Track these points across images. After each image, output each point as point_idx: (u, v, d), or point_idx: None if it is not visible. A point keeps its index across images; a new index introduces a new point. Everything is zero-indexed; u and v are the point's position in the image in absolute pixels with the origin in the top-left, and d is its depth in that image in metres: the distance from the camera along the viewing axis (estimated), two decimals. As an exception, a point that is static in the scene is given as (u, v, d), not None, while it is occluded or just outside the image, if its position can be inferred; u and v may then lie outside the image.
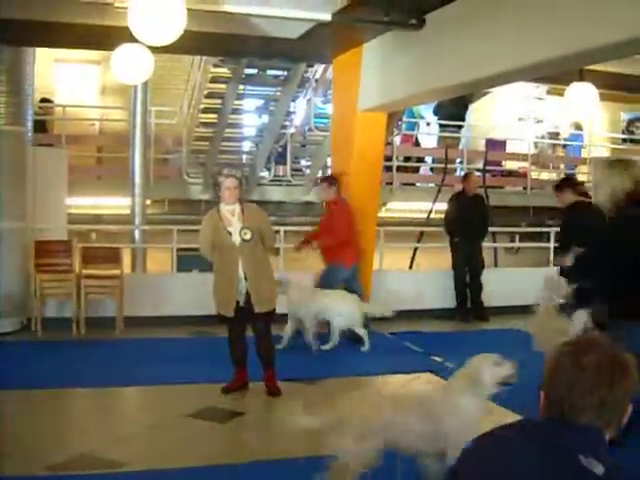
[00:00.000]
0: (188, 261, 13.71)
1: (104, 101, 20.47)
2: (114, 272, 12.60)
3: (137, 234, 15.36)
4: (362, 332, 11.40)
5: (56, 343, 11.63)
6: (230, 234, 8.65)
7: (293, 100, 17.48)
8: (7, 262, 12.15)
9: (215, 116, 17.24)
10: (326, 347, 11.29)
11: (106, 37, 11.18)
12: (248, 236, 8.61)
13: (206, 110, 17.33)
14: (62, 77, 20.27)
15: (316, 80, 17.36)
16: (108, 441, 7.25)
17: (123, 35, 9.78)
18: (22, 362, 10.29)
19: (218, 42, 12.42)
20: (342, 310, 11.30)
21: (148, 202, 16.32)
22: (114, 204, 17.38)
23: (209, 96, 16.94)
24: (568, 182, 11.49)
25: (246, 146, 19.15)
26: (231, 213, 8.71)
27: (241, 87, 16.64)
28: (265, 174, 18.62)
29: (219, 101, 16.86)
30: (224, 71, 16.25)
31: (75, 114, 19.43)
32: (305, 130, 18.47)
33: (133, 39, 9.20)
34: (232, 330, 8.98)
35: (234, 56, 14.90)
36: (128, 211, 15.66)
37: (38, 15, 10.87)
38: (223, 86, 16.50)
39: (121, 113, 19.03)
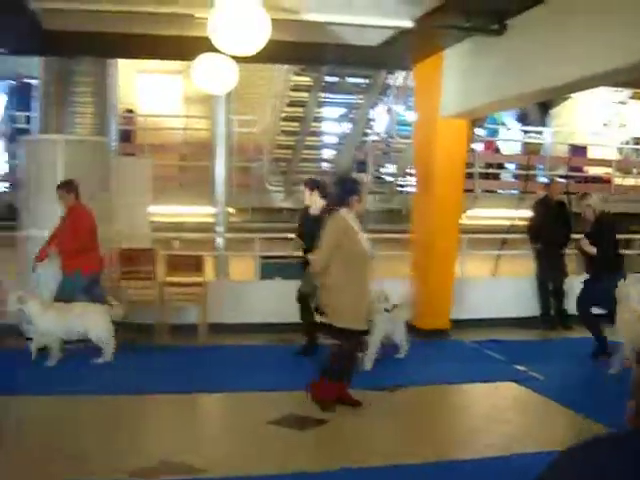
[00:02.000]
0: (271, 269, 13.75)
1: (187, 110, 20.70)
2: (197, 279, 12.69)
3: (220, 242, 15.48)
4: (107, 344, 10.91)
5: (139, 349, 11.75)
6: (362, 244, 8.31)
7: (373, 107, 17.47)
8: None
9: (297, 124, 17.31)
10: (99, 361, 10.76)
11: (186, 48, 11.33)
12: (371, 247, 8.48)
13: (288, 118, 17.40)
14: (145, 87, 20.55)
15: (397, 87, 17.33)
16: (190, 447, 7.30)
17: (203, 46, 9.88)
18: (105, 368, 10.41)
19: (299, 51, 12.47)
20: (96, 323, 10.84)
21: (230, 210, 16.44)
22: (197, 212, 17.55)
23: (291, 104, 17.02)
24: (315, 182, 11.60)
25: (327, 154, 19.19)
26: (354, 222, 8.36)
27: (322, 95, 16.69)
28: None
29: (300, 109, 16.93)
30: (305, 79, 16.32)
31: (158, 124, 19.69)
32: (386, 137, 18.45)
33: (213, 49, 9.29)
34: (357, 344, 8.66)
35: (315, 64, 14.96)
36: (210, 219, 15.78)
37: (121, 27, 11.04)
38: (305, 94, 16.56)
39: (203, 122, 19.21)
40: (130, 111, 19.30)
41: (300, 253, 11.10)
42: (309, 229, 11.11)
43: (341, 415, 8.52)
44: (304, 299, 11.04)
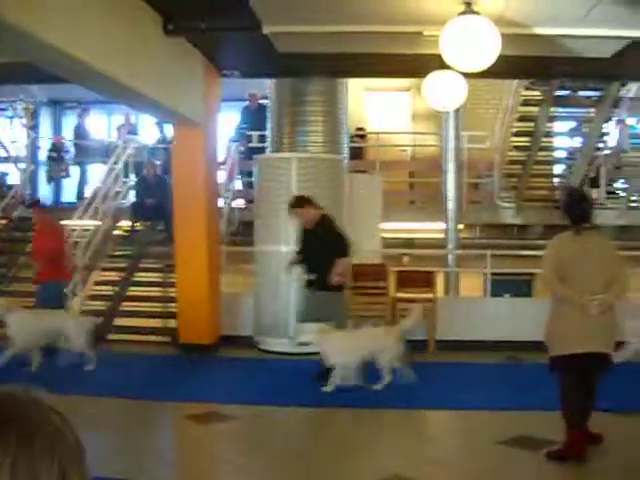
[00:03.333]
0: (500, 286, 13.64)
1: (415, 127, 20.81)
2: (427, 295, 12.74)
3: (450, 258, 15.47)
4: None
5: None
6: None
7: (607, 121, 17.06)
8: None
9: (527, 139, 17.11)
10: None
11: (416, 65, 11.45)
12: None
13: (518, 133, 17.24)
14: (373, 105, 20.82)
15: (630, 99, 16.88)
16: (420, 463, 7.33)
17: (434, 62, 9.96)
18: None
19: (529, 65, 12.35)
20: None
21: (460, 226, 16.41)
22: (427, 228, 17.61)
23: (521, 119, 16.85)
24: None
25: (558, 169, 18.89)
26: None
27: (553, 109, 16.45)
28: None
29: (531, 124, 16.73)
30: (535, 93, 16.13)
31: (387, 141, 19.89)
32: (618, 151, 17.99)
33: (443, 66, 9.35)
34: None
35: (545, 78, 14.76)
36: (440, 235, 15.80)
37: (352, 47, 11.26)
38: (535, 109, 16.37)
39: (432, 138, 19.27)
40: (360, 129, 19.59)
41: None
42: None
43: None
44: None
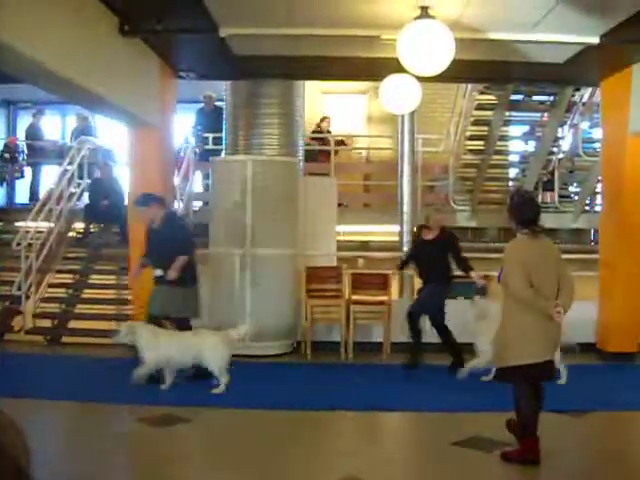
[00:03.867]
0: (455, 288, 13.67)
1: (370, 130, 20.88)
2: (382, 298, 12.76)
3: (406, 261, 15.50)
4: None
5: (324, 366, 11.91)
6: None
7: (560, 125, 17.19)
8: (280, 287, 12.57)
9: (481, 143, 17.21)
10: None
11: (373, 69, 11.50)
12: None
13: (472, 137, 17.33)
14: (329, 108, 20.83)
15: (583, 104, 17.01)
16: (374, 465, 7.34)
17: (389, 66, 10.01)
18: (292, 383, 10.59)
19: (484, 69, 12.44)
20: None
21: (415, 229, 16.45)
22: (382, 231, 17.64)
23: (475, 123, 16.95)
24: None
25: (513, 173, 19.01)
26: None
27: (507, 113, 16.57)
28: (533, 201, 18.37)
29: (485, 128, 16.84)
30: (490, 98, 16.23)
31: (343, 143, 19.92)
32: (572, 155, 18.12)
33: (400, 70, 9.39)
34: None
35: (500, 83, 14.87)
36: (395, 238, 15.82)
37: (309, 50, 11.28)
38: (489, 113, 16.47)
39: (388, 141, 19.31)
40: (316, 131, 19.59)
41: None
42: None
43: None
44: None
